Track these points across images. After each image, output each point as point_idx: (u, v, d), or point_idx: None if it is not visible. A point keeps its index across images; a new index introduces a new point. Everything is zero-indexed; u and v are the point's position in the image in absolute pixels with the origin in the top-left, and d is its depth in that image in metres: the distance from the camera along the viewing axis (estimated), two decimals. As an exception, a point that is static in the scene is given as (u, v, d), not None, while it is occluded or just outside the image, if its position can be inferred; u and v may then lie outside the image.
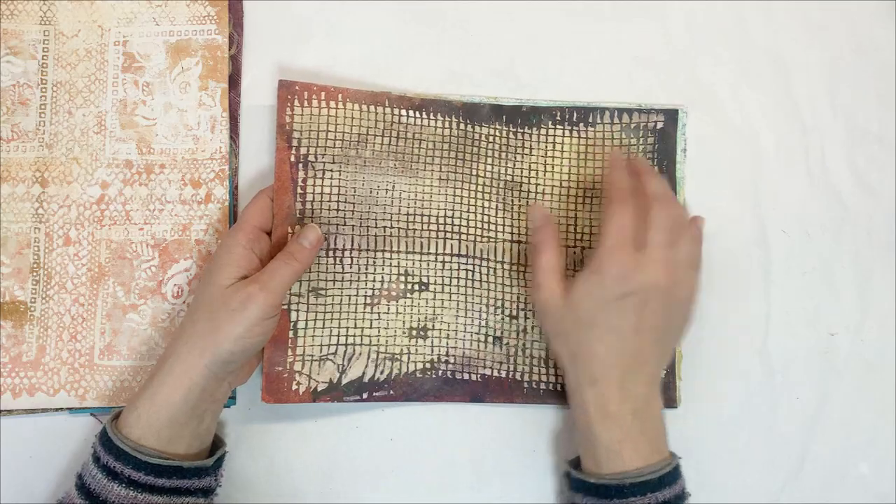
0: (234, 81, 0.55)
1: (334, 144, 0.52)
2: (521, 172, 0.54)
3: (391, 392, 0.52)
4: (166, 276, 0.54)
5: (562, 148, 0.54)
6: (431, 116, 0.53)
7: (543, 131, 0.54)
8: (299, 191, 0.52)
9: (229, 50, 0.55)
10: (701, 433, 0.54)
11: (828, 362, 0.55)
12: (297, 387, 0.51)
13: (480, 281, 0.53)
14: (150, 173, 0.54)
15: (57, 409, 0.53)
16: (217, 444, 0.51)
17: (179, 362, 0.46)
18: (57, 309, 0.53)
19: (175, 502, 0.45)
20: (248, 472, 0.53)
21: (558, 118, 0.54)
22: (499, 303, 0.53)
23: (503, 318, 0.53)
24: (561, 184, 0.54)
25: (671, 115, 0.54)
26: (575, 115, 0.54)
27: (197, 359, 0.46)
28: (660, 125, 0.54)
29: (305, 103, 0.52)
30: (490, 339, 0.53)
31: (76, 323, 0.53)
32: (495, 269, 0.53)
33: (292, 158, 0.52)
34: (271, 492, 0.53)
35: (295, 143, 0.52)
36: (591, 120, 0.54)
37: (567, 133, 0.54)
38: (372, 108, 0.53)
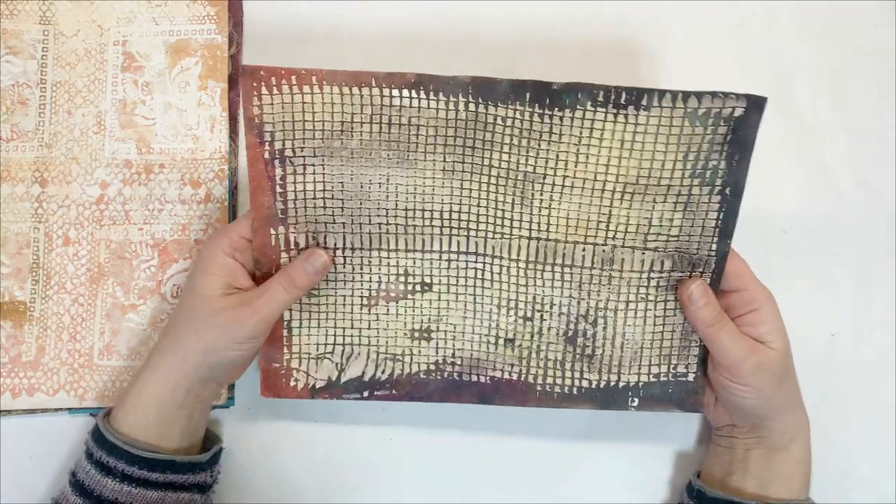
0: (233, 81, 0.55)
1: (314, 136, 0.46)
2: (546, 163, 0.46)
3: (393, 392, 0.50)
4: (166, 276, 0.54)
5: (601, 135, 0.45)
6: (431, 96, 0.46)
7: (579, 114, 0.45)
8: (278, 189, 0.47)
9: (229, 50, 0.55)
10: (703, 433, 0.54)
11: (828, 362, 0.55)
12: (294, 383, 0.50)
13: (491, 280, 0.48)
14: (150, 173, 0.54)
15: (56, 410, 0.53)
16: (213, 441, 0.51)
17: (164, 362, 0.46)
18: (56, 309, 0.53)
19: (170, 497, 0.46)
20: (248, 472, 0.53)
21: (600, 99, 0.45)
22: (511, 303, 0.49)
23: (516, 320, 0.49)
24: (595, 177, 0.46)
25: (756, 103, 0.44)
26: (624, 96, 0.45)
27: (181, 363, 0.46)
28: (739, 112, 0.44)
29: (275, 90, 0.46)
30: (501, 341, 0.49)
31: (75, 323, 0.53)
32: (509, 267, 0.48)
33: (266, 155, 0.47)
34: (271, 492, 0.53)
35: (267, 137, 0.46)
36: (644, 103, 0.45)
37: (610, 117, 0.45)
38: (355, 90, 0.46)
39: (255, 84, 0.46)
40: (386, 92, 0.46)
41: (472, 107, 0.46)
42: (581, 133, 0.46)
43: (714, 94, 0.44)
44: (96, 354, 0.53)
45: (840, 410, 0.54)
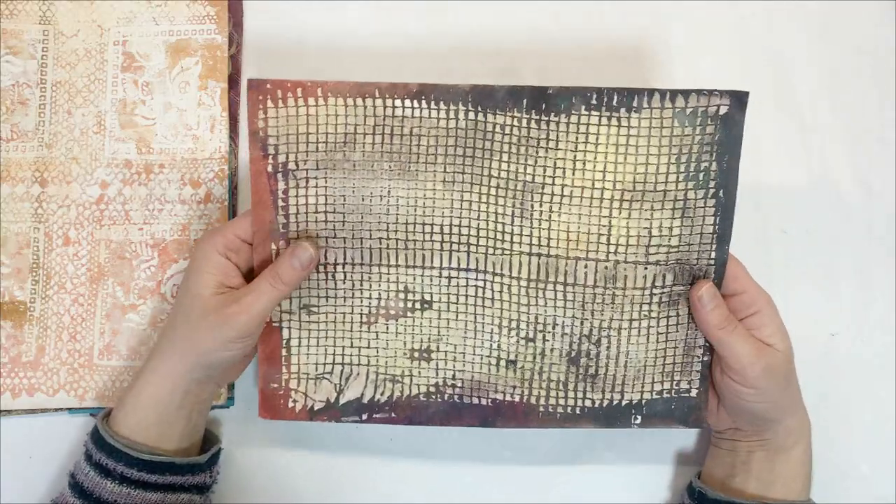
0: (233, 81, 0.55)
1: (317, 148, 0.47)
2: (545, 171, 0.46)
3: (392, 415, 0.49)
4: (165, 275, 0.54)
5: (596, 140, 0.46)
6: (433, 105, 0.46)
7: (574, 119, 0.46)
8: (280, 203, 0.47)
9: (229, 49, 0.55)
10: (703, 433, 0.54)
11: (828, 362, 0.55)
12: (293, 404, 0.49)
13: (492, 299, 0.48)
14: (150, 173, 0.54)
15: (56, 410, 0.53)
16: (212, 441, 0.51)
17: (162, 363, 0.46)
18: (56, 309, 0.53)
19: (169, 499, 0.46)
20: (248, 473, 0.53)
21: (594, 102, 0.45)
22: (513, 323, 0.48)
23: (518, 341, 0.48)
24: (593, 184, 0.46)
25: (738, 99, 0.45)
26: (616, 97, 0.45)
27: (178, 364, 0.46)
28: (723, 110, 0.45)
29: (280, 103, 0.46)
30: (503, 362, 0.48)
31: (75, 323, 0.53)
32: (510, 285, 0.48)
33: (269, 168, 0.47)
34: (271, 492, 0.53)
35: (271, 150, 0.46)
36: (635, 104, 0.45)
37: (605, 121, 0.46)
38: (359, 101, 0.46)
39: (260, 97, 0.46)
40: (389, 102, 0.46)
41: (471, 115, 0.46)
42: (577, 139, 0.46)
43: (699, 92, 0.45)
44: (96, 354, 0.53)
45: (840, 410, 0.54)
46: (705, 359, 0.48)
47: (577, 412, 0.49)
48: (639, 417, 0.49)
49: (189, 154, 0.54)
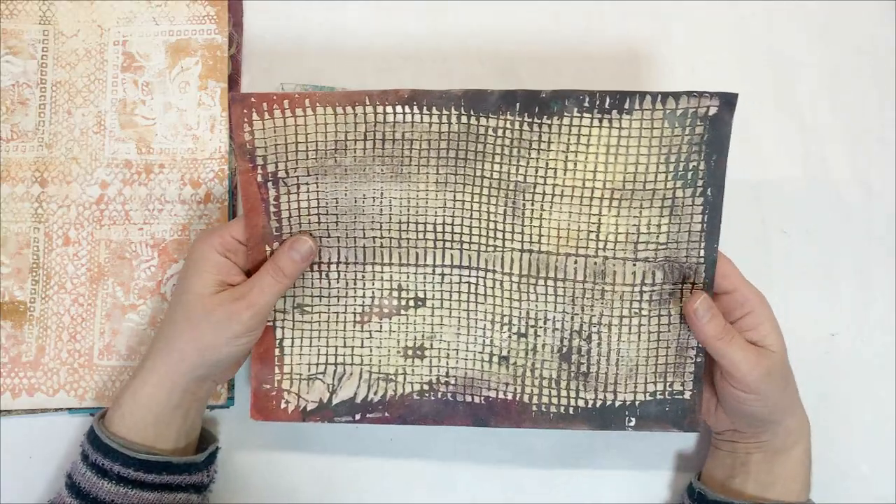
0: (233, 81, 0.55)
1: (307, 156, 0.47)
2: (536, 171, 0.47)
3: (386, 414, 0.49)
4: (165, 276, 0.54)
5: (587, 141, 0.46)
6: (425, 111, 0.46)
7: (566, 121, 0.46)
8: (272, 209, 0.47)
9: (229, 49, 0.55)
10: (703, 434, 0.54)
11: (828, 362, 0.55)
12: (285, 405, 0.49)
13: (485, 295, 0.48)
14: (150, 173, 0.54)
15: (56, 410, 0.53)
16: (209, 440, 0.51)
17: (161, 363, 0.46)
18: (56, 309, 0.53)
19: (166, 498, 0.46)
20: (247, 472, 0.53)
21: (586, 104, 0.46)
22: (505, 319, 0.48)
23: (510, 336, 0.48)
24: (584, 184, 0.47)
25: (727, 100, 0.46)
26: (608, 100, 0.46)
27: (178, 363, 0.46)
28: (713, 111, 0.46)
29: (266, 115, 0.46)
30: (495, 358, 0.49)
31: (75, 323, 0.53)
32: (502, 281, 0.48)
33: (259, 178, 0.47)
34: (271, 492, 0.53)
35: (260, 161, 0.47)
36: (626, 106, 0.46)
37: (596, 123, 0.46)
38: (349, 109, 0.46)
39: (245, 111, 0.46)
40: (380, 109, 0.46)
41: (464, 119, 0.46)
42: (569, 140, 0.46)
43: (690, 94, 0.45)
44: (96, 354, 0.53)
45: (840, 410, 0.54)
46: (698, 360, 0.48)
47: (571, 412, 0.49)
48: (633, 420, 0.48)
49: (189, 154, 0.54)
